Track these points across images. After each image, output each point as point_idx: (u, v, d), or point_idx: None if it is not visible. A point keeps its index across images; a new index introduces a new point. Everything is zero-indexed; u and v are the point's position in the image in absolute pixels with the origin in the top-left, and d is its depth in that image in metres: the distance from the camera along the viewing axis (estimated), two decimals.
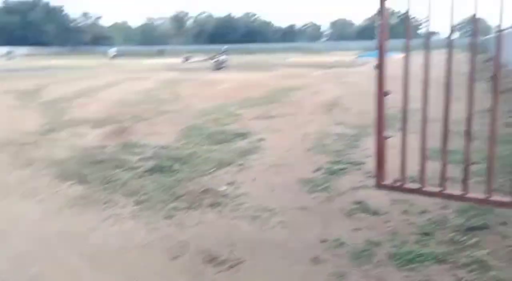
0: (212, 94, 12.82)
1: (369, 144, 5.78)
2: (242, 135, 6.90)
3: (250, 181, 4.70)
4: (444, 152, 2.60)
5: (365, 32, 73.21)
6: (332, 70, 22.98)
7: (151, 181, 4.68)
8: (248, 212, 3.83)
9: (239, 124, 7.94)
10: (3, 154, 5.94)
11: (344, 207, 3.85)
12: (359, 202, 3.92)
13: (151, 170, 5.05)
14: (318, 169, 5.04)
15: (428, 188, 2.76)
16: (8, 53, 52.25)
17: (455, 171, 4.53)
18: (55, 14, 77.61)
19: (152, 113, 9.32)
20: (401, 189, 2.86)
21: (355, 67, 24.95)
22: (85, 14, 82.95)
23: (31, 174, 5.02)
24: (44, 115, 9.29)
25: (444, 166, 2.59)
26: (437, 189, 2.66)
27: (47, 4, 77.21)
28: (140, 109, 9.83)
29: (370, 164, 4.43)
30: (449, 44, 2.46)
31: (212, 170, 5.06)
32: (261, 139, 6.66)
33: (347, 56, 41.40)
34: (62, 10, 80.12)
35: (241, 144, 6.39)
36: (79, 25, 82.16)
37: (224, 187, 4.48)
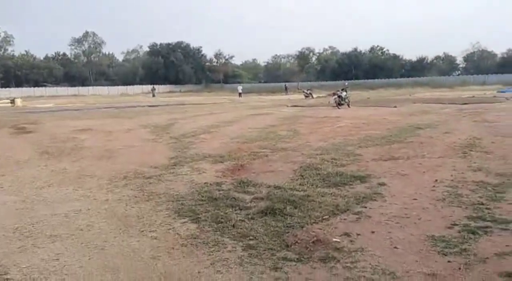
0: (330, 132, 12.46)
1: None
2: (361, 178, 6.37)
3: (368, 234, 4.18)
4: None
5: (508, 64, 65.21)
6: (466, 106, 20.86)
7: (261, 225, 4.47)
8: (364, 273, 3.34)
9: (357, 165, 7.40)
10: (130, 187, 6.36)
11: (487, 279, 3.12)
12: (508, 275, 3.15)
13: (263, 212, 4.85)
14: (452, 226, 4.29)
15: None
16: (152, 90, 60.22)
17: None
18: (193, 54, 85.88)
19: (269, 150, 9.31)
20: None
21: (494, 104, 22.33)
22: (218, 54, 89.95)
23: (150, 209, 5.22)
24: (172, 149, 9.93)
25: None
26: None
27: (187, 46, 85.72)
28: (258, 146, 9.92)
29: None
30: None
31: (325, 217, 4.67)
32: (382, 184, 6.05)
33: (484, 91, 37.61)
34: (200, 51, 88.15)
35: (359, 188, 5.87)
36: (213, 64, 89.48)
37: (338, 239, 4.04)
